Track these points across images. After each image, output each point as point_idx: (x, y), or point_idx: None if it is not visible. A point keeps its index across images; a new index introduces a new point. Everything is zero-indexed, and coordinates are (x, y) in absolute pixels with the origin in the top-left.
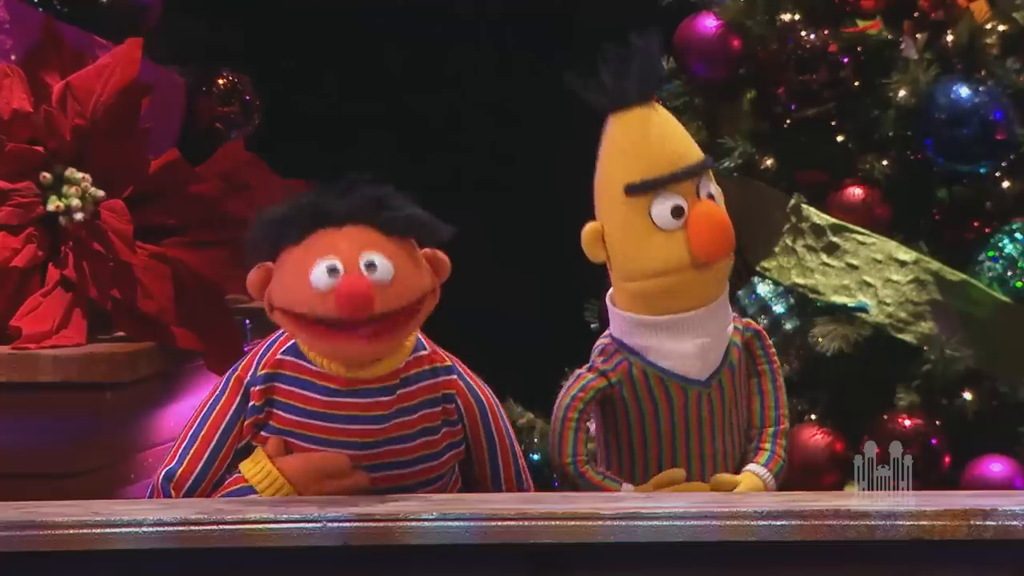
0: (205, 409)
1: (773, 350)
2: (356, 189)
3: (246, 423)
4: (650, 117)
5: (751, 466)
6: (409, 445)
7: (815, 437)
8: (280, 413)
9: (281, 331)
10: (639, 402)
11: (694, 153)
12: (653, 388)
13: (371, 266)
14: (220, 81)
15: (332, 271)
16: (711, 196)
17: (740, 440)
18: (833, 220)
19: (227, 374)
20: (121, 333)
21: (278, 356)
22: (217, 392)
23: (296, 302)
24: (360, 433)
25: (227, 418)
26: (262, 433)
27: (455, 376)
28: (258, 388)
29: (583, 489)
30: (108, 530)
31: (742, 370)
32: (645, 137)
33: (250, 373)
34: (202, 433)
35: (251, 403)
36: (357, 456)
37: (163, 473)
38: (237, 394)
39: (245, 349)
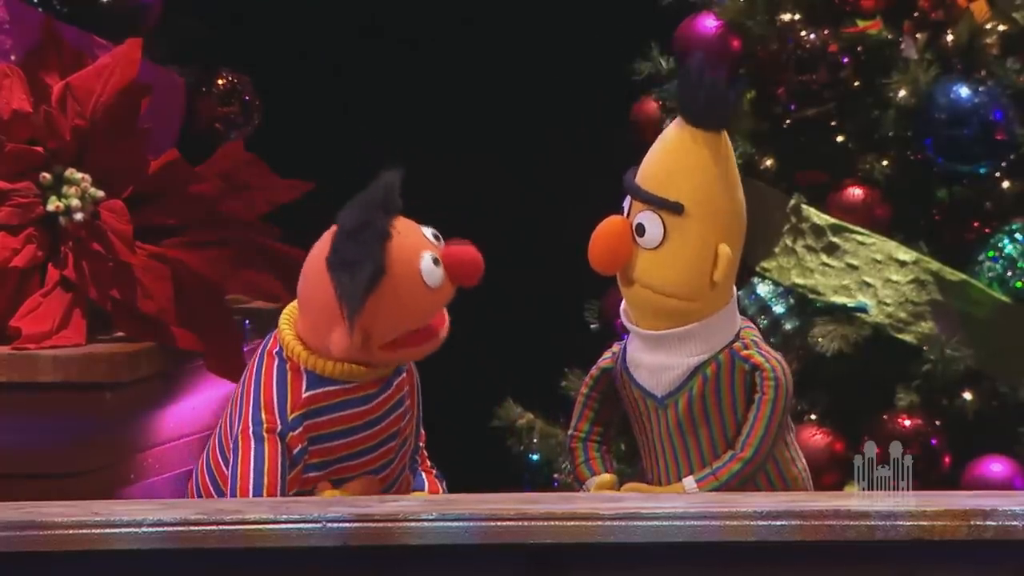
0: (253, 475)
1: (769, 383)
2: (383, 196)
3: (291, 475)
4: (676, 136)
5: (685, 479)
6: (409, 419)
7: (815, 437)
8: (326, 445)
9: (260, 364)
10: (623, 392)
11: (655, 182)
12: (624, 387)
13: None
14: (220, 81)
15: (435, 260)
16: (639, 228)
17: (704, 460)
18: (833, 220)
19: (249, 430)
20: (121, 333)
21: (304, 395)
22: (253, 452)
23: (417, 308)
24: (394, 421)
25: (280, 478)
26: (310, 474)
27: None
28: (296, 433)
29: (569, 462)
30: (108, 530)
31: (713, 400)
32: (653, 147)
33: (279, 420)
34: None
35: (293, 451)
36: (392, 447)
37: None
38: (277, 446)
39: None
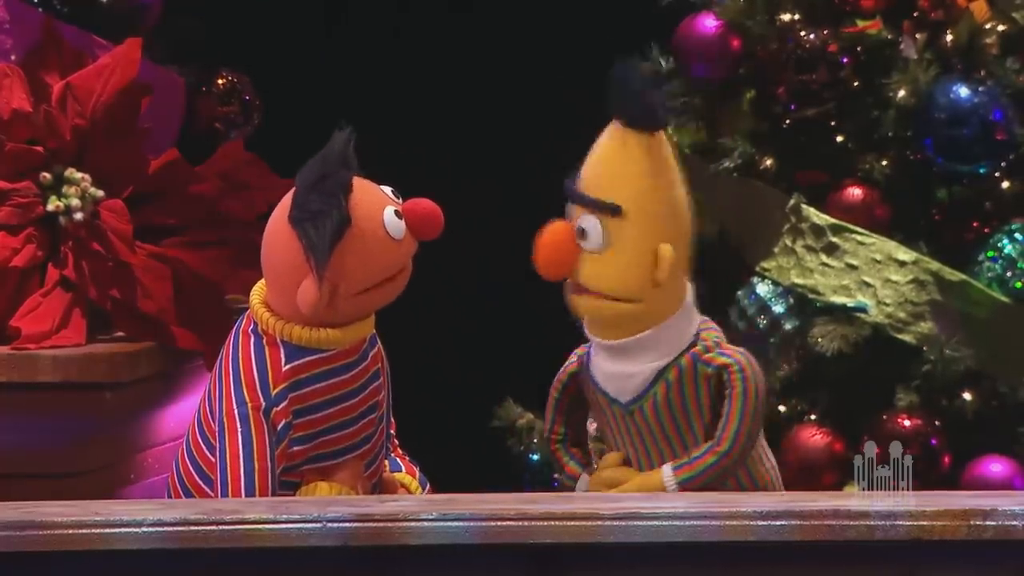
0: (242, 458)
1: (736, 376)
2: (339, 151)
3: (278, 451)
4: (611, 139)
5: (664, 467)
6: (384, 394)
7: (815, 437)
8: (309, 417)
9: (235, 344)
10: (589, 396)
11: (594, 186)
12: (590, 391)
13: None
14: (220, 81)
15: (396, 213)
16: (580, 231)
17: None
18: (833, 220)
19: (234, 412)
20: (121, 333)
21: (284, 368)
22: (240, 434)
23: (382, 259)
24: (373, 393)
25: (269, 458)
26: (295, 448)
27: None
28: (281, 407)
29: (554, 465)
30: (108, 530)
31: (678, 404)
32: (591, 151)
33: (262, 397)
34: (256, 485)
35: (278, 427)
36: (372, 420)
37: None
38: (263, 425)
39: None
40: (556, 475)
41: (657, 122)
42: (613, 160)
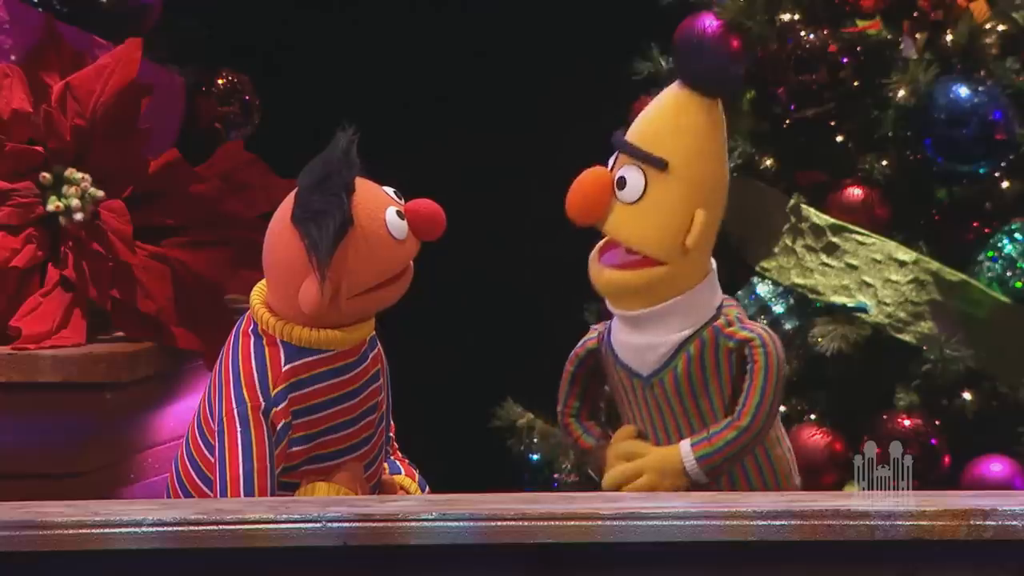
0: (241, 458)
1: (759, 350)
2: (342, 152)
3: (277, 452)
4: (672, 97)
5: (682, 442)
6: (384, 395)
7: (815, 437)
8: (308, 418)
9: (235, 344)
10: (609, 371)
11: (643, 138)
12: (609, 366)
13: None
14: (220, 81)
15: (399, 213)
16: (620, 180)
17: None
18: (833, 220)
19: (234, 412)
20: (121, 333)
21: (284, 368)
22: (240, 434)
23: (384, 259)
24: (372, 394)
25: (268, 458)
26: (294, 448)
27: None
28: (281, 408)
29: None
30: (108, 530)
31: (699, 377)
32: (647, 106)
33: (262, 397)
34: (255, 485)
35: (278, 427)
36: (371, 420)
37: None
38: (262, 425)
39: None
40: (556, 475)
41: (721, 89)
42: (669, 118)
